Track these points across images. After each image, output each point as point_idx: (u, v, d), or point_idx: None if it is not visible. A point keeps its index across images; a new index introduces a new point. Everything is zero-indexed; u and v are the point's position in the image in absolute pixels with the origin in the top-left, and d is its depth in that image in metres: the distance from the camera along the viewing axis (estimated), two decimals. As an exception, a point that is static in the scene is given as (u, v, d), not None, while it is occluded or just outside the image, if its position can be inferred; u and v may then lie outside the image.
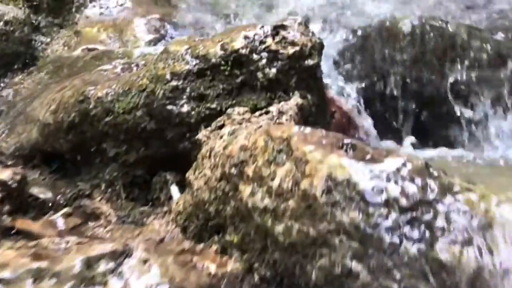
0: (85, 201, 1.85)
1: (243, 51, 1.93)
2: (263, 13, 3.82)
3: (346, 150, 1.46)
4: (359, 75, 2.48)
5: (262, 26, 1.99)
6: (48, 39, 3.20)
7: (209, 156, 1.69)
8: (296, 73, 1.94)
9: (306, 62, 1.95)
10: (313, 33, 2.04)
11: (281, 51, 1.94)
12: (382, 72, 2.47)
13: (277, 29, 2.01)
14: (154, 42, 3.14)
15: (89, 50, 3.06)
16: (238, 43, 1.95)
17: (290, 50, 1.94)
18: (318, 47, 2.01)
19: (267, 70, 1.92)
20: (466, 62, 2.49)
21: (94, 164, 1.96)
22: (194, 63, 1.95)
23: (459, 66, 2.48)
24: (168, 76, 1.92)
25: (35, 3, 3.24)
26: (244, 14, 3.81)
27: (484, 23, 3.65)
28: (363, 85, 2.46)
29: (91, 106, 1.97)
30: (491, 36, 2.80)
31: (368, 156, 1.41)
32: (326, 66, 2.88)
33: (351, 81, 2.49)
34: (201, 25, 3.42)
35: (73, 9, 3.35)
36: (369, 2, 3.74)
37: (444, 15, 3.62)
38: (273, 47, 1.94)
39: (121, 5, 3.46)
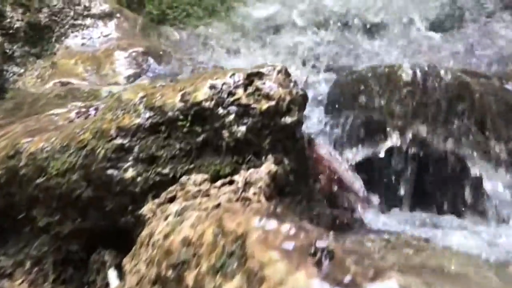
0: (3, 282, 1.37)
1: (207, 104, 1.45)
2: (259, 48, 3.36)
3: (320, 260, 0.98)
4: (353, 126, 2.00)
5: (233, 74, 1.51)
6: (22, 70, 2.74)
7: (148, 244, 1.21)
8: (271, 132, 1.46)
9: (283, 119, 1.47)
10: (295, 83, 1.57)
11: (253, 105, 1.46)
12: (379, 124, 1.99)
13: (252, 77, 1.54)
14: (133, 78, 2.67)
15: (62, 84, 2.60)
16: (202, 94, 1.47)
17: (264, 104, 1.46)
18: (300, 101, 1.54)
19: (235, 128, 1.44)
20: (475, 117, 2.01)
21: (23, 234, 1.48)
22: (147, 115, 1.48)
23: (466, 121, 2.00)
24: (113, 132, 1.44)
25: (11, 31, 2.79)
26: (240, 49, 3.35)
27: (485, 67, 3.18)
28: (357, 137, 1.99)
29: (21, 164, 1.48)
30: (501, 85, 2.32)
31: (348, 278, 0.93)
32: (315, 114, 2.41)
33: (343, 133, 2.02)
34: (190, 60, 2.96)
35: (53, 39, 2.89)
36: (372, 44, 3.28)
37: (445, 58, 3.16)
38: (244, 100, 1.47)
39: (107, 35, 2.99)
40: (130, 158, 1.39)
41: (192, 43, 3.29)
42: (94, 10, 3.04)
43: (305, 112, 2.50)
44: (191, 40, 3.33)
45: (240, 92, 1.46)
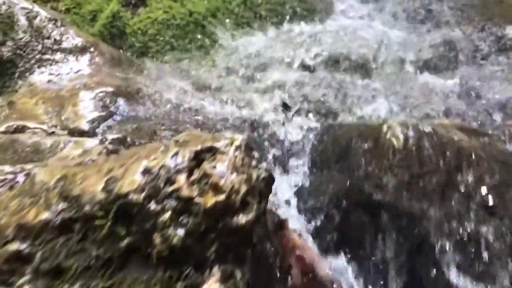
0: None
1: (135, 197, 1.01)
2: (243, 85, 2.92)
3: None
4: (334, 203, 1.56)
5: (176, 153, 1.07)
6: (-22, 109, 2.32)
7: None
8: (218, 236, 1.01)
9: (235, 218, 1.02)
10: (257, 162, 1.13)
11: (196, 199, 1.02)
12: (365, 201, 1.55)
13: (201, 156, 1.10)
14: (97, 122, 2.23)
15: (16, 128, 2.17)
16: (131, 182, 1.03)
17: (211, 199, 1.01)
18: (261, 189, 1.09)
19: (170, 230, 0.99)
20: (476, 191, 1.57)
21: None
22: (59, 208, 1.03)
23: (467, 196, 1.56)
24: (11, 231, 1.01)
25: (-31, 66, 2.37)
26: (223, 86, 2.91)
27: (482, 115, 2.75)
28: (339, 217, 1.54)
29: None
30: (504, 148, 1.89)
31: None
32: (298, 169, 1.97)
33: (321, 211, 1.57)
34: (166, 101, 2.52)
35: (16, 75, 2.45)
36: (362, 85, 2.85)
37: (439, 104, 2.72)
38: (185, 191, 1.03)
39: (77, 72, 2.55)
40: (29, 270, 0.95)
41: (172, 80, 2.86)
42: (65, 44, 2.60)
43: (288, 165, 2.07)
44: (172, 76, 2.90)
45: (181, 179, 1.02)
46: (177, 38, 3.02)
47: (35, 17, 2.58)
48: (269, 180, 1.11)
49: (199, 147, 1.09)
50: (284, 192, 1.76)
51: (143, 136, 1.96)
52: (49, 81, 2.46)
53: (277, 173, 1.91)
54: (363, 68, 2.85)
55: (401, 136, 1.56)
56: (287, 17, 3.23)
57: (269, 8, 3.22)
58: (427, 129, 1.61)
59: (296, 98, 2.68)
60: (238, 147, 1.10)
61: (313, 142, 1.86)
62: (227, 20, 3.14)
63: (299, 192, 1.72)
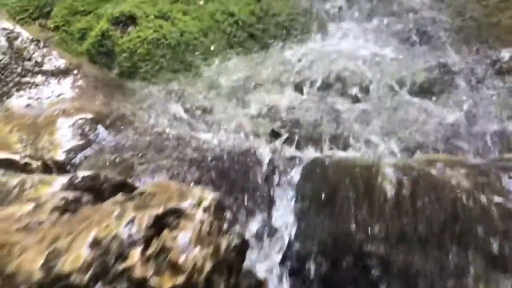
0: None
1: (78, 279, 0.78)
2: (233, 108, 2.73)
3: None
4: (322, 250, 1.37)
5: (133, 220, 0.88)
6: (-50, 136, 2.12)
7: None
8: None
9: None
10: (228, 225, 0.93)
11: (151, 281, 0.83)
12: (356, 251, 1.36)
13: (163, 221, 0.91)
14: (75, 152, 2.04)
15: (-13, 159, 1.98)
16: (75, 259, 0.84)
17: (167, 281, 0.81)
18: (231, 261, 0.89)
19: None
20: (479, 240, 1.37)
21: None
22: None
23: (467, 249, 1.37)
24: None
25: None
26: (213, 109, 2.72)
27: (480, 144, 2.56)
28: (327, 267, 1.36)
29: None
30: (503, 188, 1.70)
31: None
32: (281, 210, 1.78)
33: (308, 258, 1.39)
34: (151, 127, 2.33)
35: (-7, 99, 2.29)
36: (354, 109, 2.66)
37: (434, 132, 2.54)
38: (139, 271, 0.81)
39: (59, 95, 2.36)
40: None
41: (160, 103, 2.66)
42: (47, 66, 2.42)
43: (274, 202, 1.88)
44: (161, 98, 2.70)
45: (136, 254, 0.83)
46: (167, 58, 2.84)
47: (16, 38, 2.40)
48: (242, 247, 0.92)
49: (160, 210, 0.90)
50: (267, 235, 1.57)
51: (119, 172, 1.77)
52: (27, 105, 2.27)
53: (260, 212, 1.72)
54: (356, 91, 2.67)
55: (394, 181, 1.38)
56: (280, 38, 3.05)
57: (261, 28, 3.03)
58: (422, 171, 1.42)
59: (286, 123, 2.49)
60: (206, 209, 0.92)
61: (300, 179, 1.67)
62: (219, 40, 2.96)
63: (285, 236, 1.54)
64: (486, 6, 3.34)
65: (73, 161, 1.97)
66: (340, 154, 1.91)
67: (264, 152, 2.04)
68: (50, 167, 1.94)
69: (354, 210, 1.38)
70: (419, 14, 3.26)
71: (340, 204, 1.44)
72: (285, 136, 2.39)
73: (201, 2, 3.02)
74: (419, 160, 1.53)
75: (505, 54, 3.06)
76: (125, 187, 1.61)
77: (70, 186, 1.51)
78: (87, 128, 2.09)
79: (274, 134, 2.34)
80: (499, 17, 3.28)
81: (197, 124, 2.55)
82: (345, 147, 2.41)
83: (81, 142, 2.02)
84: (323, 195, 1.53)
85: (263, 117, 2.55)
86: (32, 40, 2.42)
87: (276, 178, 1.74)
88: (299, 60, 2.85)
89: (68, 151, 1.98)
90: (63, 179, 1.59)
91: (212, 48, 2.94)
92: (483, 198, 1.47)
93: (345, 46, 3.04)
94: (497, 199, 1.53)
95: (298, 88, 2.72)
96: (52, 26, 3.09)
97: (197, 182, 1.79)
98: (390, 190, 1.35)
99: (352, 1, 3.28)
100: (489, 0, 3.35)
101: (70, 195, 1.21)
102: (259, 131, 2.45)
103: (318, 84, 2.70)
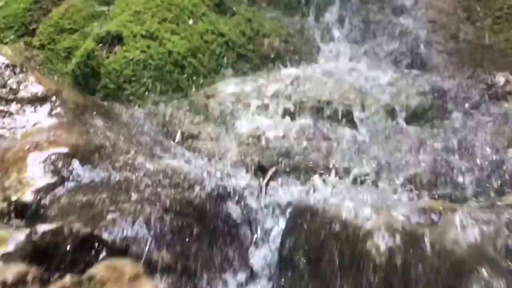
0: None
1: None
2: (220, 134, 2.50)
3: None
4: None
5: None
6: None
7: None
8: None
9: None
10: None
11: None
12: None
13: None
14: (45, 191, 1.81)
15: None
16: None
17: None
18: None
19: None
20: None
21: None
22: None
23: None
24: None
25: None
26: (200, 134, 2.48)
27: (478, 175, 2.35)
28: None
29: None
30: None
31: None
32: (266, 268, 1.55)
33: None
34: (130, 159, 2.10)
35: (-38, 129, 2.06)
36: (346, 136, 2.43)
37: (428, 163, 2.32)
38: None
39: (34, 124, 2.13)
40: None
41: (145, 128, 2.44)
42: (22, 93, 2.19)
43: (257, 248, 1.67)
44: (146, 123, 2.48)
45: None
46: (154, 79, 2.61)
47: (-10, 64, 2.18)
48: None
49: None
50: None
51: (88, 219, 1.55)
52: (0, 137, 2.05)
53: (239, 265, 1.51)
54: (348, 117, 2.45)
55: (384, 247, 1.16)
56: (271, 59, 2.83)
57: (251, 49, 2.81)
58: (416, 235, 1.21)
59: (274, 153, 2.27)
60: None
61: (284, 230, 1.46)
62: (208, 61, 2.73)
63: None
64: (480, 28, 3.11)
65: (42, 202, 1.74)
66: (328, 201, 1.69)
67: (248, 195, 1.83)
68: (17, 210, 1.71)
69: (340, 279, 1.17)
70: (412, 36, 3.04)
71: (325, 268, 1.23)
72: (272, 170, 2.18)
73: (190, 22, 2.79)
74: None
75: (500, 78, 2.84)
76: (91, 241, 1.39)
77: (28, 243, 1.30)
78: (60, 164, 1.86)
79: (261, 169, 2.12)
80: (493, 39, 3.06)
81: (182, 152, 2.33)
82: (336, 177, 2.21)
83: (53, 180, 1.80)
84: (307, 253, 1.31)
85: (251, 145, 2.33)
86: (7, 66, 2.19)
87: (258, 231, 1.53)
88: (291, 83, 2.63)
89: (37, 191, 1.75)
90: (20, 236, 1.37)
91: (200, 69, 2.73)
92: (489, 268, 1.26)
93: (337, 68, 2.82)
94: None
95: (288, 112, 2.50)
96: (37, 44, 2.86)
97: (172, 230, 1.58)
98: (379, 259, 1.13)
99: (344, 22, 3.05)
100: (483, 21, 3.12)
101: (14, 271, 0.99)
102: (246, 161, 2.23)
103: (309, 107, 2.49)
